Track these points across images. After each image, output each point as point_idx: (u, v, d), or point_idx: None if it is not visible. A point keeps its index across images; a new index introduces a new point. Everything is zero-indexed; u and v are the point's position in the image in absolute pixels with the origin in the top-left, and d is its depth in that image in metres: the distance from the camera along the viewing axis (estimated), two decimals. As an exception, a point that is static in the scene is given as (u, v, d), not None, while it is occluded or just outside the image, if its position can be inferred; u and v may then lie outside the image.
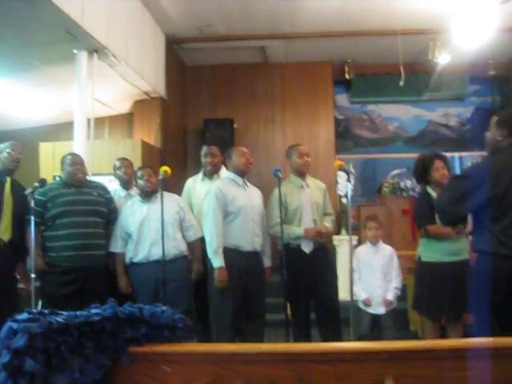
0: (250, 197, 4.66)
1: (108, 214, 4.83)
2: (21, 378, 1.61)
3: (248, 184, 4.76)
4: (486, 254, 3.21)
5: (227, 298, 4.39)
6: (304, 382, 1.86)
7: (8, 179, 4.72)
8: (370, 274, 4.90)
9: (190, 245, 4.83)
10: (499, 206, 3.14)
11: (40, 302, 4.51)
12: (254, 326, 4.61)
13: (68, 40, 5.45)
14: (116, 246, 4.78)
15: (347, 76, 9.52)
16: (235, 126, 8.95)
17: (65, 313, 1.72)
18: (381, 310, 4.83)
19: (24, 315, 1.67)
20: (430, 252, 4.41)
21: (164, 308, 1.80)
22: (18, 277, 4.82)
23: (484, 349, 1.95)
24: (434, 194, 4.45)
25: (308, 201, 4.75)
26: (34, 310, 1.70)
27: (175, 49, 8.65)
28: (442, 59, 8.23)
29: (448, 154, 7.20)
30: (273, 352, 1.87)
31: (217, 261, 4.37)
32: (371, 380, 1.87)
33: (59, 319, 1.65)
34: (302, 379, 1.86)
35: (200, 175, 5.32)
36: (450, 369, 1.90)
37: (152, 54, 7.59)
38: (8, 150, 4.71)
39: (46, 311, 1.70)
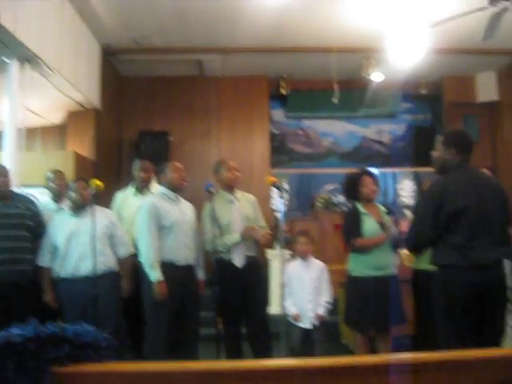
0: (182, 211, 4.65)
1: (35, 227, 4.65)
2: None
3: (180, 199, 4.74)
4: (446, 267, 3.39)
5: (163, 312, 4.36)
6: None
7: None
8: (300, 289, 4.90)
9: (119, 261, 4.75)
10: (459, 220, 3.32)
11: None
12: (189, 341, 4.59)
13: (-1, 48, 5.32)
14: (43, 260, 4.62)
15: (283, 91, 9.57)
16: (171, 138, 8.89)
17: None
18: (310, 325, 4.85)
19: None
20: (358, 267, 4.51)
21: (88, 327, 1.77)
22: None
23: (405, 364, 2.00)
24: (362, 209, 4.57)
25: (238, 215, 4.77)
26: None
27: (111, 60, 8.53)
28: (376, 77, 8.38)
29: (381, 170, 7.40)
30: (199, 371, 1.86)
31: (155, 274, 4.33)
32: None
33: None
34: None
35: (132, 189, 5.30)
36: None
37: (86, 64, 7.45)
38: None
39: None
